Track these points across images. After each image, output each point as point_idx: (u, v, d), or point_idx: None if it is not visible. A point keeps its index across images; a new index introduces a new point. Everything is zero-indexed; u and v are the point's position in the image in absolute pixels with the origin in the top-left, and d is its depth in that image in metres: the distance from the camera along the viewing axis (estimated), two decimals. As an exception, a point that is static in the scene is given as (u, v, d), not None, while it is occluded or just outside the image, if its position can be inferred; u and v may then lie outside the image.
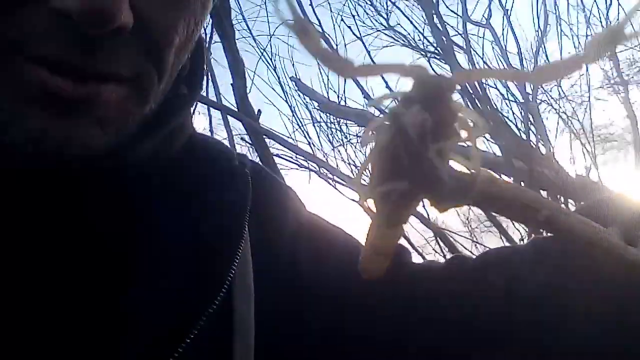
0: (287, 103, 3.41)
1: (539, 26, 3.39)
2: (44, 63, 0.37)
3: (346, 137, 3.53)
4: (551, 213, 0.37)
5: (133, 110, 0.43)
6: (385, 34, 3.74)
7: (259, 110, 2.52)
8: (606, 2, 3.27)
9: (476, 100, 3.08)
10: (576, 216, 0.40)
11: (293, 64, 3.65)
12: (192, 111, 0.56)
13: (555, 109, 3.44)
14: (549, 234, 0.45)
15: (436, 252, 4.02)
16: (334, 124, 3.52)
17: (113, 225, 0.44)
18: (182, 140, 0.52)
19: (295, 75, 3.51)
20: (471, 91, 3.07)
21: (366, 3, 3.75)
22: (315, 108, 3.54)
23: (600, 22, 3.30)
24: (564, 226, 0.38)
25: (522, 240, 3.55)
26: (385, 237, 0.41)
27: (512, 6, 3.35)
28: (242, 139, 3.20)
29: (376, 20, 3.76)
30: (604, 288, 0.43)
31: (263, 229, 0.53)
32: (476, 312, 0.50)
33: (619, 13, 3.25)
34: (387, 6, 3.71)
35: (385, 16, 3.73)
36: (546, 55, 3.43)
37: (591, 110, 3.38)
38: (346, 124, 3.52)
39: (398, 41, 3.73)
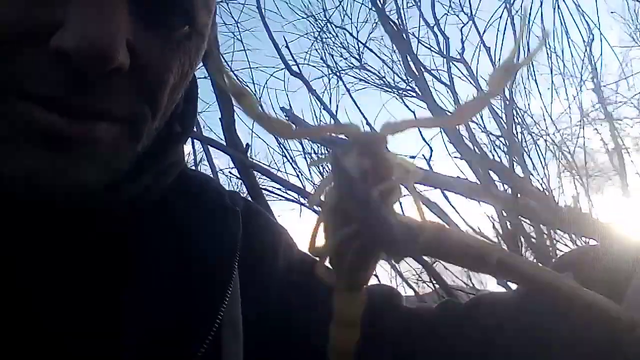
0: (275, 137, 3.45)
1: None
2: (40, 101, 0.39)
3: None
4: (501, 257, 0.39)
5: (126, 148, 0.44)
6: (356, 75, 3.84)
7: (247, 144, 2.55)
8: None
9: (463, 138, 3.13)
10: (527, 260, 0.42)
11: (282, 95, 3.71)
12: (183, 153, 0.57)
13: (544, 140, 3.51)
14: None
15: (424, 283, 4.03)
16: (324, 156, 3.55)
17: (104, 262, 0.45)
18: (173, 177, 0.53)
19: (290, 105, 3.59)
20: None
21: (337, 44, 3.86)
22: (306, 138, 3.58)
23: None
24: (516, 270, 0.40)
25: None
26: (349, 304, 0.41)
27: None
28: (230, 172, 3.24)
29: (347, 60, 3.90)
30: (578, 330, 0.44)
31: (254, 270, 0.54)
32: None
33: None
34: (358, 46, 3.82)
35: (358, 56, 3.86)
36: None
37: (583, 141, 3.44)
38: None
39: (369, 82, 3.83)
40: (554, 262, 0.58)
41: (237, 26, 3.71)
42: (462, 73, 3.48)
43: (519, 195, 2.71)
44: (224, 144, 2.58)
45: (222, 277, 0.49)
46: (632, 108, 3.59)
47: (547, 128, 3.51)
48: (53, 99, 0.39)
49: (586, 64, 3.23)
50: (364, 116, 3.40)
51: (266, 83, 3.62)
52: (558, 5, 3.04)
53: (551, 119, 3.46)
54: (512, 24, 3.22)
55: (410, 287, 4.27)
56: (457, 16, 3.61)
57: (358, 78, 3.80)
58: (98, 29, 0.38)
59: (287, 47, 3.39)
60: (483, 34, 3.36)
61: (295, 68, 3.42)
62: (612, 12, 3.64)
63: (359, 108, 3.43)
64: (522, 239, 3.40)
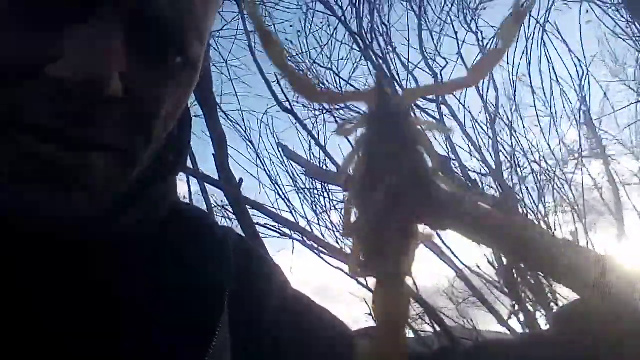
0: (267, 173, 3.48)
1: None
2: (36, 132, 0.39)
3: (330, 204, 3.57)
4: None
5: (119, 178, 0.45)
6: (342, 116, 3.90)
7: (241, 179, 2.57)
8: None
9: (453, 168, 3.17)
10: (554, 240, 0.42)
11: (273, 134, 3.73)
12: (176, 185, 0.58)
13: (537, 175, 3.55)
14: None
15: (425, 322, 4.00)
16: (317, 191, 3.58)
17: (97, 295, 0.45)
18: (166, 208, 0.53)
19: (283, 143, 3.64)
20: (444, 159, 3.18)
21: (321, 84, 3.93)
22: (301, 173, 3.62)
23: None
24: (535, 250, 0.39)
25: (510, 315, 3.55)
26: (393, 298, 0.38)
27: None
28: (223, 208, 3.25)
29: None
30: None
31: (245, 307, 0.54)
32: None
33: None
34: (340, 85, 3.89)
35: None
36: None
37: (578, 176, 3.48)
38: (330, 190, 3.58)
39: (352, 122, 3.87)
40: (556, 313, 0.59)
41: (227, 64, 3.78)
42: (449, 111, 3.58)
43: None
44: (217, 179, 2.60)
45: (211, 313, 0.49)
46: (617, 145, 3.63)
47: (540, 164, 3.56)
48: (48, 129, 0.39)
49: (577, 100, 3.30)
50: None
51: (262, 118, 3.66)
52: (544, 44, 3.13)
53: (543, 156, 3.51)
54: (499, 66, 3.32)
55: (411, 327, 4.25)
56: (434, 60, 3.72)
57: (343, 119, 3.84)
58: (93, 59, 0.39)
59: (278, 83, 3.45)
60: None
61: (287, 105, 3.48)
62: (593, 56, 3.74)
63: (350, 143, 3.47)
64: (519, 274, 3.41)
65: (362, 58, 3.71)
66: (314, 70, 3.97)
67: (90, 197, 0.42)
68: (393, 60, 3.71)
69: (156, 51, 0.44)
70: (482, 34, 3.45)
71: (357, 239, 0.39)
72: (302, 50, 3.96)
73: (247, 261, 0.58)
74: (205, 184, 3.50)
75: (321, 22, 3.83)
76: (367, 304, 3.90)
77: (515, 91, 3.41)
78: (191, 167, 3.70)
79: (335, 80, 3.95)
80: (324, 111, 3.83)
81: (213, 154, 2.55)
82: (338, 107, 3.88)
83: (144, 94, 0.43)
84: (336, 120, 3.74)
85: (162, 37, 0.44)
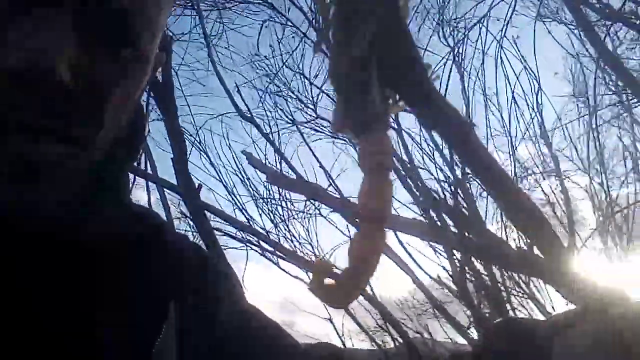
0: (223, 183, 3.48)
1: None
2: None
3: (289, 213, 3.59)
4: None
5: (72, 168, 0.44)
6: (311, 126, 3.95)
7: (200, 185, 2.57)
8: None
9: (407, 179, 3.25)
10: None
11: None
12: (129, 179, 0.58)
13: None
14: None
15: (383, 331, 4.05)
16: (276, 201, 3.60)
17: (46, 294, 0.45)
18: (118, 206, 0.53)
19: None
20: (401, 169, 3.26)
21: (291, 97, 3.99)
22: (265, 181, 3.63)
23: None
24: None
25: (469, 326, 3.64)
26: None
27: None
28: (182, 213, 3.23)
29: (302, 110, 4.00)
30: None
31: (197, 316, 0.54)
32: None
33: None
34: (312, 97, 3.93)
35: (313, 106, 3.96)
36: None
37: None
38: (289, 200, 3.60)
39: (324, 132, 3.91)
40: (486, 328, 0.62)
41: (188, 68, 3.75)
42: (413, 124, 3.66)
43: (468, 235, 2.80)
44: (176, 185, 2.60)
45: (157, 317, 0.49)
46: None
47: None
48: (7, 121, 0.40)
49: (532, 115, 3.42)
50: (318, 161, 3.50)
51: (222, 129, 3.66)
52: (502, 60, 3.25)
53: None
54: (461, 80, 3.43)
55: (371, 337, 4.29)
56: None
57: (313, 129, 3.94)
58: (39, 48, 0.39)
59: (238, 91, 3.47)
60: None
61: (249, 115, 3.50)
62: (555, 73, 3.90)
63: (315, 156, 3.52)
64: (472, 278, 3.50)
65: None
66: (284, 75, 3.99)
67: (50, 190, 0.43)
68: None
69: (106, 41, 0.44)
70: (458, 49, 3.54)
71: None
72: (272, 55, 3.97)
73: (201, 270, 0.58)
74: (165, 191, 3.49)
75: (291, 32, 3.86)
76: (331, 322, 3.95)
77: (469, 105, 3.52)
78: (150, 172, 3.69)
79: (306, 86, 3.98)
80: (289, 125, 3.86)
81: (172, 159, 2.55)
82: (307, 122, 3.94)
83: (93, 82, 0.43)
84: (300, 131, 3.78)
85: (112, 27, 0.44)
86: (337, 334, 4.08)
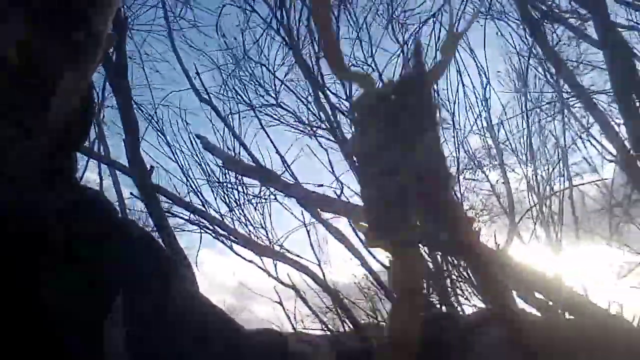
0: (179, 165, 3.46)
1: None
2: None
3: (245, 197, 3.60)
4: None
5: (23, 151, 0.45)
6: (271, 112, 3.93)
7: (152, 167, 2.56)
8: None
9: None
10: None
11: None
12: (77, 160, 0.58)
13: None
14: None
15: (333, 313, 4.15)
16: (231, 185, 3.60)
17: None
18: (68, 189, 0.53)
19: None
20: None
21: (253, 82, 3.96)
22: (219, 165, 3.62)
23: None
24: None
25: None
26: (410, 266, 0.44)
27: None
28: (132, 194, 3.21)
29: (264, 98, 3.96)
30: None
31: (145, 304, 0.54)
32: None
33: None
34: (275, 84, 3.92)
35: (275, 95, 3.93)
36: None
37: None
38: (244, 184, 3.61)
39: (282, 120, 3.91)
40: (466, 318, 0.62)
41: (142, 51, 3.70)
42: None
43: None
44: (127, 166, 2.59)
45: (101, 304, 0.50)
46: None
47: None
48: None
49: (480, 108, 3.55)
50: (274, 146, 3.52)
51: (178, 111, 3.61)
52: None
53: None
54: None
55: (321, 321, 4.38)
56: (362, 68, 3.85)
57: (273, 116, 3.92)
58: None
59: (197, 74, 3.44)
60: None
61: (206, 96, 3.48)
62: (498, 72, 4.03)
63: (271, 140, 3.54)
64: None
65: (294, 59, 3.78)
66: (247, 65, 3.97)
67: (1, 173, 0.43)
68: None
69: (57, 23, 0.45)
70: (407, 45, 3.61)
71: (371, 213, 0.45)
72: (236, 44, 3.94)
73: (149, 256, 0.58)
74: (118, 173, 3.45)
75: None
76: (281, 305, 4.02)
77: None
78: (103, 154, 3.63)
79: (269, 78, 3.97)
80: (247, 110, 3.85)
81: (124, 140, 2.53)
82: (266, 106, 3.93)
83: (44, 68, 0.45)
84: (257, 116, 3.78)
85: (63, 9, 0.45)
86: (288, 318, 4.14)
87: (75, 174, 0.57)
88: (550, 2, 2.76)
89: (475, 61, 3.25)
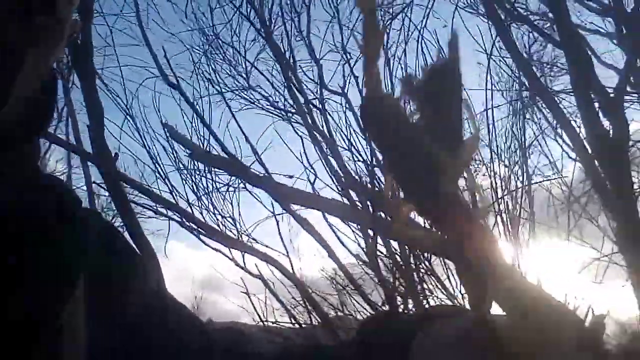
0: (148, 151, 3.43)
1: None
2: None
3: (214, 186, 3.60)
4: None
5: None
6: (243, 95, 3.89)
7: (116, 154, 2.55)
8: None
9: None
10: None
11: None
12: (39, 146, 0.57)
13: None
14: None
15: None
16: (200, 172, 3.59)
17: None
18: (26, 175, 0.52)
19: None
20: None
21: (225, 62, 3.90)
22: (185, 155, 3.61)
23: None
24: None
25: (384, 304, 3.85)
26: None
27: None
28: (95, 183, 3.18)
29: (236, 80, 3.91)
30: None
31: (104, 296, 0.54)
32: None
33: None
34: (246, 67, 3.87)
35: (245, 76, 3.87)
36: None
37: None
38: (214, 172, 3.60)
39: (255, 104, 3.87)
40: (361, 323, 0.66)
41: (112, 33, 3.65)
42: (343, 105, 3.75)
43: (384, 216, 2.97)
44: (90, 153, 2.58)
45: (61, 289, 0.49)
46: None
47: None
48: None
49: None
50: (245, 135, 3.52)
51: (145, 93, 3.58)
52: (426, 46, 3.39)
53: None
54: (387, 64, 3.55)
55: (290, 314, 4.41)
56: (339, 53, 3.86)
57: (246, 99, 3.90)
58: None
59: (165, 57, 3.41)
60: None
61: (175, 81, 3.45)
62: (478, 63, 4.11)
63: (240, 128, 3.54)
64: (386, 257, 3.70)
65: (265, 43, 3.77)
66: (219, 45, 3.92)
67: None
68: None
69: (20, 5, 0.45)
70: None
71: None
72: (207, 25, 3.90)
73: (113, 251, 0.58)
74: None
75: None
76: (249, 296, 4.04)
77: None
78: (68, 140, 3.60)
79: (239, 61, 3.94)
80: (214, 94, 3.82)
81: (88, 126, 2.52)
82: (238, 90, 3.91)
83: (5, 45, 0.44)
84: (226, 102, 3.76)
85: None
86: (255, 310, 4.16)
87: (37, 161, 0.57)
88: (514, 1, 2.83)
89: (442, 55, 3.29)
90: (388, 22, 3.40)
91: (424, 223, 0.56)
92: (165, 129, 3.49)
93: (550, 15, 2.83)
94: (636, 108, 2.97)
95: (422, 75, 0.52)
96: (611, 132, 2.43)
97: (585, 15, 3.09)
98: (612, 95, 2.43)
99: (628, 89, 2.78)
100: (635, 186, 3.02)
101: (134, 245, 0.64)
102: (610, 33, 3.19)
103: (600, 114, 2.45)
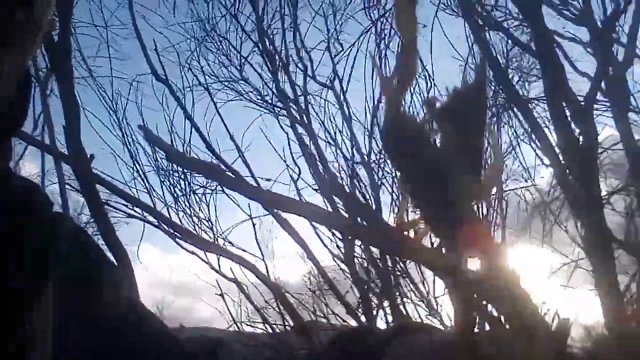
0: (128, 149, 3.41)
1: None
2: None
3: (190, 188, 3.57)
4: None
5: None
6: (232, 88, 3.85)
7: (92, 155, 2.52)
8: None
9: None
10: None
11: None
12: (12, 146, 0.56)
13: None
14: None
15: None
16: (179, 174, 3.56)
17: None
18: None
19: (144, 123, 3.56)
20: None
21: (220, 53, 3.89)
22: (162, 158, 3.57)
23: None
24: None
25: (358, 306, 3.87)
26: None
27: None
28: (69, 185, 3.13)
29: (228, 71, 3.89)
30: None
31: (75, 302, 0.54)
32: None
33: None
34: (239, 58, 3.84)
35: (239, 67, 3.85)
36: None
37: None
38: (191, 175, 3.58)
39: (244, 96, 3.83)
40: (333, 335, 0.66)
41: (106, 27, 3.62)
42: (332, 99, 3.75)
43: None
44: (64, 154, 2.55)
45: (27, 293, 0.49)
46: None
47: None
48: None
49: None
50: (228, 131, 3.52)
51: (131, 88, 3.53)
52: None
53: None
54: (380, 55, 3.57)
55: (264, 318, 4.40)
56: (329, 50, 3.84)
57: (235, 90, 3.79)
58: None
59: (155, 50, 3.40)
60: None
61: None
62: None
63: (225, 125, 3.53)
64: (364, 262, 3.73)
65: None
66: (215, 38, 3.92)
67: None
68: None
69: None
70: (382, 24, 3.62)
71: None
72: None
73: (85, 256, 0.58)
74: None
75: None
76: (223, 300, 4.02)
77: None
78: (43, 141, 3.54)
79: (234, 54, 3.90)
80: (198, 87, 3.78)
81: (63, 126, 2.49)
82: (231, 81, 3.87)
83: None
84: (211, 97, 3.72)
85: None
86: (231, 315, 4.15)
87: (9, 161, 0.56)
88: (491, 9, 2.90)
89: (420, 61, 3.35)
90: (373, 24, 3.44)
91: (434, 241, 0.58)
92: (141, 131, 3.46)
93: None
94: (609, 116, 3.07)
95: (446, 98, 0.54)
96: (581, 139, 2.51)
97: (563, 22, 3.18)
98: (582, 103, 2.51)
99: (601, 97, 2.89)
100: (606, 192, 3.14)
101: (107, 253, 0.66)
102: (585, 42, 3.29)
103: (572, 122, 2.53)
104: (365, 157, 3.57)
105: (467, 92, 0.55)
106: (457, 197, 0.53)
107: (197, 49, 3.82)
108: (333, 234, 3.69)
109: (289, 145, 3.58)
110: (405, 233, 0.59)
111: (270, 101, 3.80)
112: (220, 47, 3.91)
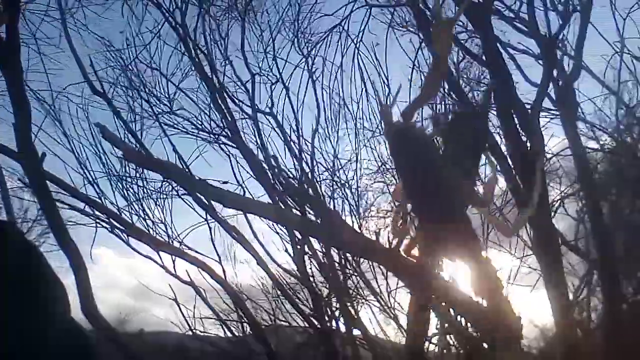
0: (75, 155, 3.37)
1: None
2: None
3: (144, 192, 3.56)
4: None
5: None
6: (167, 121, 3.82)
7: (43, 154, 2.50)
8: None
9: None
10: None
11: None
12: None
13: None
14: None
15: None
16: (132, 178, 3.54)
17: None
18: None
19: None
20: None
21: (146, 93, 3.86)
22: (118, 157, 3.54)
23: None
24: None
25: (311, 310, 3.90)
26: None
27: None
28: (20, 181, 3.07)
29: (157, 106, 3.84)
30: None
31: (17, 314, 0.54)
32: None
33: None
34: (168, 94, 3.82)
35: (168, 103, 3.83)
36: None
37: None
38: (145, 178, 3.57)
39: (178, 128, 3.84)
40: None
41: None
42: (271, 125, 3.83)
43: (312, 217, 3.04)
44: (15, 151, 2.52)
45: None
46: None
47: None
48: None
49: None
50: (181, 157, 3.59)
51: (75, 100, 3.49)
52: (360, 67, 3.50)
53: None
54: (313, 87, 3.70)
55: (221, 321, 4.39)
56: (267, 77, 3.89)
57: (169, 124, 3.73)
58: None
59: (91, 65, 3.36)
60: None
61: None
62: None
63: (176, 150, 3.55)
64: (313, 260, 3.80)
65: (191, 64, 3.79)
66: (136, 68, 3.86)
67: None
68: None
69: None
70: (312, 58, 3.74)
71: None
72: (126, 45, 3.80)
73: (24, 269, 0.58)
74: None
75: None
76: (177, 304, 3.99)
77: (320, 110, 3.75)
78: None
79: (162, 83, 3.87)
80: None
81: (13, 124, 2.46)
82: (161, 113, 3.86)
83: None
84: (160, 124, 3.75)
85: None
86: (185, 319, 4.12)
87: None
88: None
89: (377, 70, 3.45)
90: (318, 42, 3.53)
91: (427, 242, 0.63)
92: (98, 128, 3.43)
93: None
94: (557, 123, 3.24)
95: (449, 116, 0.61)
96: (528, 145, 2.64)
97: (515, 35, 3.33)
98: (529, 111, 2.64)
99: (550, 105, 3.05)
100: (556, 194, 3.28)
101: (52, 270, 0.63)
102: (536, 54, 3.45)
103: (520, 129, 2.66)
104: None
105: (466, 115, 0.62)
106: (452, 197, 0.59)
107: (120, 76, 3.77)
108: (281, 238, 3.75)
109: (231, 167, 3.65)
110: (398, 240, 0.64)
111: (210, 129, 3.85)
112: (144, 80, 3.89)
